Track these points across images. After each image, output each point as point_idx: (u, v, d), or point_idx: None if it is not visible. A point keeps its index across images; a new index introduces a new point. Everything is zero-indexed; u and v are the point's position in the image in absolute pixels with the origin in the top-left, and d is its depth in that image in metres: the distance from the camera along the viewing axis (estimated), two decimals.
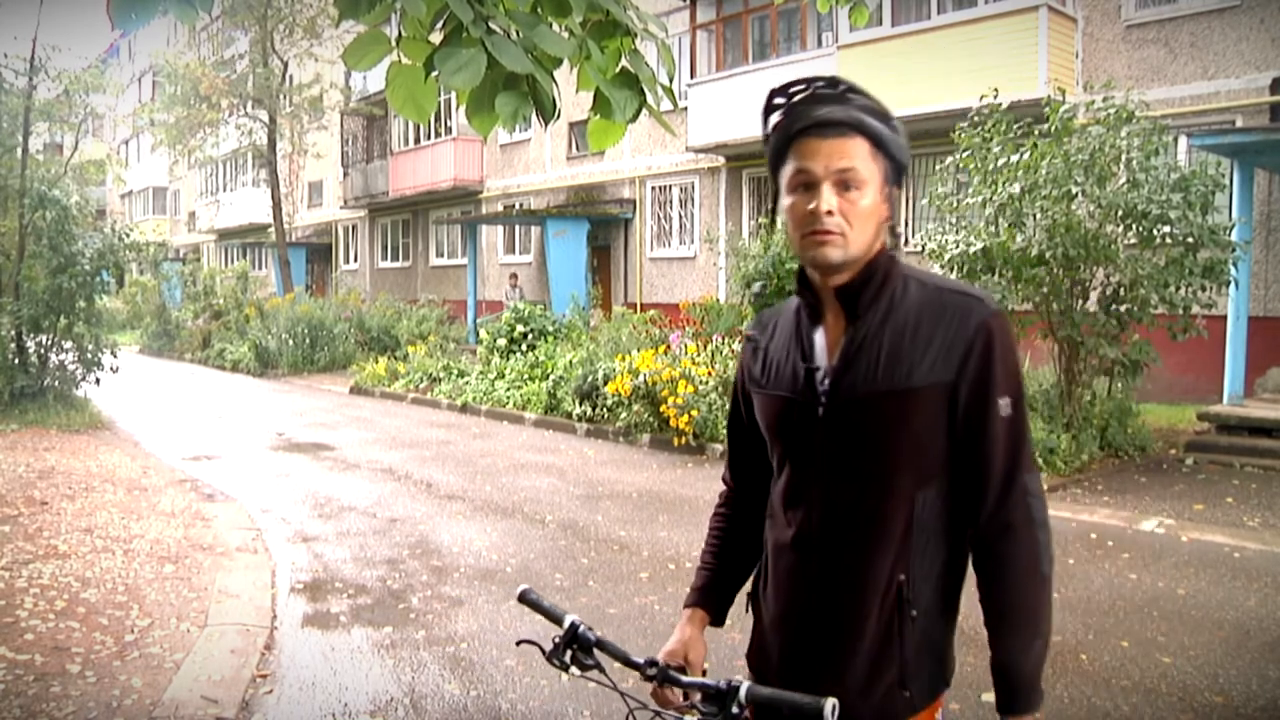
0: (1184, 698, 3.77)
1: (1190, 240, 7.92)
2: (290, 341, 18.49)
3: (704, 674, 1.62)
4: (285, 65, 23.38)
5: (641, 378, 9.99)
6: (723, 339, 10.74)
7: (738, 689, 1.36)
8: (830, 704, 1.26)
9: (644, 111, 2.10)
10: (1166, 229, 7.94)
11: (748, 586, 1.73)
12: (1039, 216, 8.11)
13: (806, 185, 1.46)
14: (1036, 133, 8.44)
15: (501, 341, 14.48)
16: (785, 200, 1.50)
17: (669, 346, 10.87)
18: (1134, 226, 8.06)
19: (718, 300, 14.71)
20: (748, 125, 14.30)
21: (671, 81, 2.38)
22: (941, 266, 8.53)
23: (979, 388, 1.44)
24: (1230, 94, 11.11)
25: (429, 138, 23.40)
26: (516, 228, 22.08)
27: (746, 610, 1.72)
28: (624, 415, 10.26)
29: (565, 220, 18.87)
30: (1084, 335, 8.29)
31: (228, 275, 25.31)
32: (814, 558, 1.51)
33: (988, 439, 1.45)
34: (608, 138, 2.14)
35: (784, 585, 1.57)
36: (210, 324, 22.03)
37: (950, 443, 1.47)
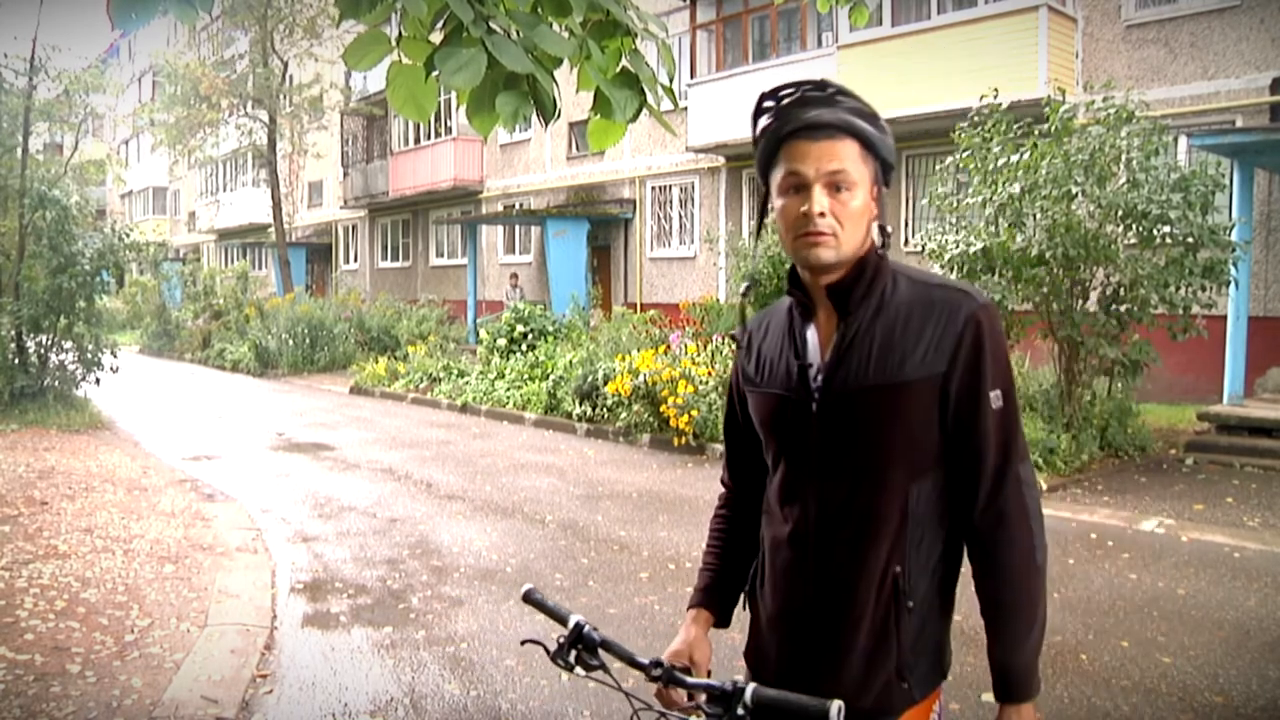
0: (1184, 698, 3.77)
1: (1190, 240, 7.92)
2: (290, 341, 18.50)
3: (709, 675, 1.62)
4: (285, 65, 23.38)
5: (641, 378, 9.99)
6: (723, 339, 10.74)
7: (743, 690, 1.36)
8: (836, 706, 1.26)
9: (644, 111, 2.10)
10: (1166, 229, 7.94)
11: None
12: (1039, 216, 8.11)
13: (798, 188, 1.48)
14: (1036, 133, 8.44)
15: (501, 341, 14.48)
16: (777, 203, 1.52)
17: (669, 346, 10.87)
18: (1134, 226, 8.06)
19: (718, 300, 14.72)
20: (748, 125, 14.16)
21: (672, 81, 2.38)
22: (941, 266, 8.53)
23: (970, 380, 1.47)
24: (1230, 94, 11.11)
25: (429, 138, 23.41)
26: (516, 228, 22.09)
27: (743, 608, 1.73)
28: (624, 415, 10.26)
29: (565, 220, 18.87)
30: (1084, 335, 8.29)
31: (228, 275, 25.31)
32: (810, 553, 1.52)
33: (980, 431, 1.47)
34: (608, 137, 2.14)
35: (781, 581, 1.58)
36: (210, 324, 22.03)
37: (943, 435, 1.49)
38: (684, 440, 9.46)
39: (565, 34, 2.03)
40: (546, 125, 2.07)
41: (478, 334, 17.02)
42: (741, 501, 1.76)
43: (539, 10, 2.00)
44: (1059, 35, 12.06)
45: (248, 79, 23.71)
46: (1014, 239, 8.15)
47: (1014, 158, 8.28)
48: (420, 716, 3.74)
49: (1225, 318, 9.01)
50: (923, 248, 9.13)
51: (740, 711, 1.35)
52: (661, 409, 9.66)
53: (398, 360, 16.59)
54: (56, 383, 12.32)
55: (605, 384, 10.63)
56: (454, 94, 2.05)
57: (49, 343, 12.20)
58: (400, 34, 1.96)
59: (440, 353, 16.33)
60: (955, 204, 9.01)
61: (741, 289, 1.74)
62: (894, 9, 13.49)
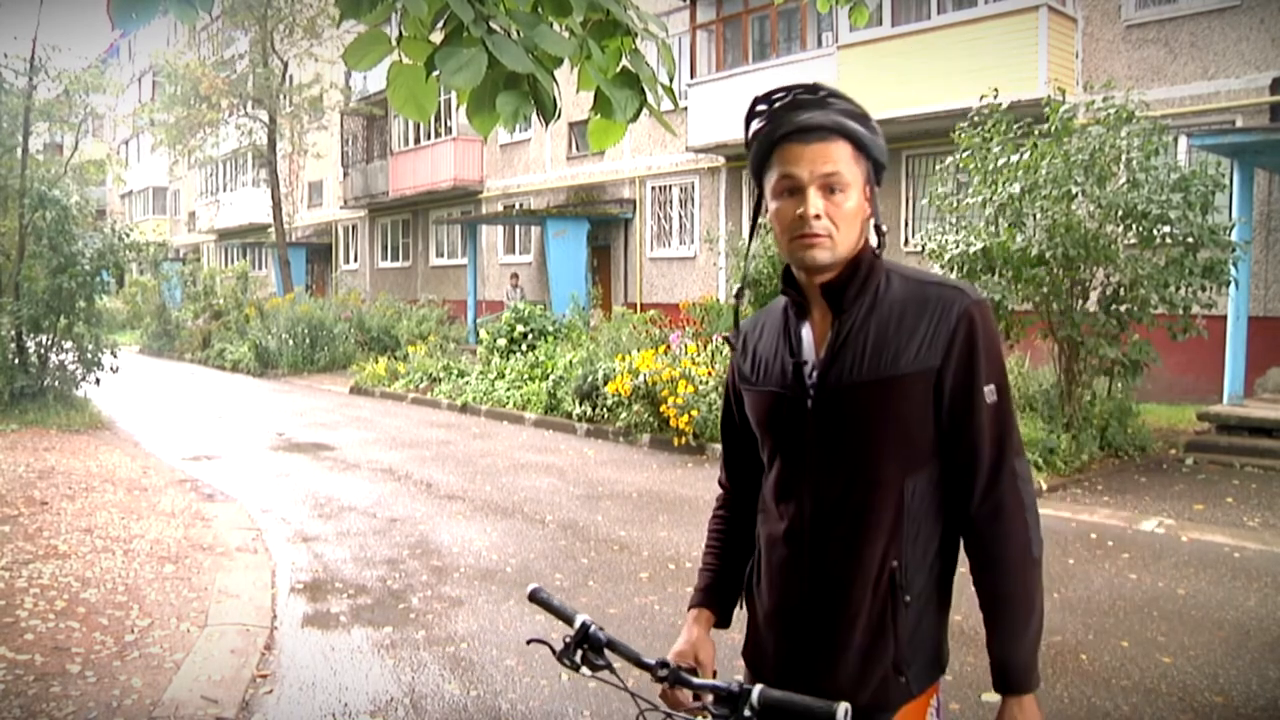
0: (1184, 698, 3.77)
1: (1190, 240, 7.92)
2: (290, 341, 18.50)
3: (714, 675, 1.62)
4: (285, 65, 23.38)
5: (641, 378, 9.99)
6: (723, 339, 10.73)
7: (750, 692, 1.36)
8: (843, 709, 1.27)
9: (644, 111, 2.10)
10: (1166, 229, 7.94)
11: None
12: (1039, 216, 8.11)
13: (792, 190, 1.50)
14: (1036, 133, 8.44)
15: (501, 341, 14.48)
16: (772, 205, 1.53)
17: (669, 346, 10.87)
18: (1134, 226, 8.06)
19: (718, 300, 14.71)
20: None
21: (672, 81, 2.38)
22: (941, 266, 8.53)
23: (964, 375, 1.48)
24: (1230, 94, 11.12)
25: (429, 138, 23.40)
26: (516, 228, 22.08)
27: (740, 607, 1.74)
28: (624, 415, 10.26)
29: (565, 220, 18.87)
30: (1084, 335, 8.29)
31: (228, 275, 25.31)
32: (806, 549, 1.53)
33: (975, 426, 1.49)
34: (608, 137, 2.14)
35: (777, 578, 1.59)
36: (210, 324, 22.03)
37: (938, 430, 1.51)
38: (684, 440, 9.46)
39: (565, 34, 2.03)
40: (547, 125, 2.07)
41: (478, 334, 17.03)
42: (739, 502, 1.77)
43: (539, 10, 2.00)
44: (1059, 35, 12.06)
45: (248, 79, 23.71)
46: (1014, 239, 8.15)
47: (1014, 158, 8.28)
48: (420, 716, 3.74)
49: (1225, 318, 9.01)
50: (923, 248, 9.13)
51: (747, 713, 1.35)
52: (661, 409, 9.67)
53: (398, 360, 16.59)
54: (56, 383, 12.32)
55: (605, 384, 10.63)
56: (454, 94, 2.05)
57: (49, 343, 12.20)
58: (400, 34, 1.96)
59: (440, 353, 16.33)
60: (955, 204, 9.01)
61: (735, 291, 1.75)
62: (894, 9, 13.49)
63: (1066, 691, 3.83)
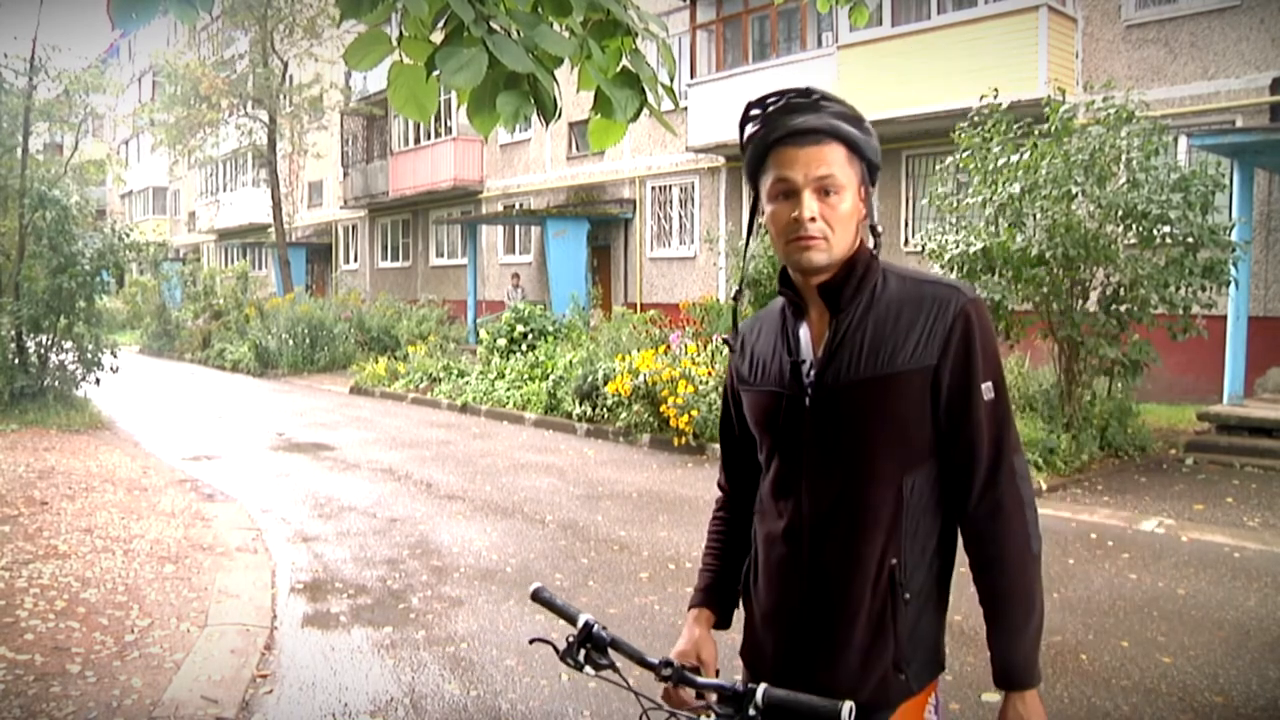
0: (1184, 698, 3.77)
1: (1190, 240, 7.92)
2: (290, 341, 18.50)
3: (717, 674, 1.63)
4: (285, 65, 23.38)
5: (641, 378, 9.99)
6: (722, 339, 10.73)
7: (754, 691, 1.37)
8: (847, 708, 1.27)
9: (644, 111, 2.10)
10: (1166, 229, 7.94)
11: None
12: (1039, 216, 8.11)
13: (787, 193, 1.51)
14: (1036, 133, 8.44)
15: (501, 341, 14.48)
16: (768, 208, 1.55)
17: (669, 346, 10.87)
18: (1134, 226, 8.06)
19: (718, 300, 14.71)
20: None
21: (672, 81, 2.38)
22: (941, 266, 8.53)
23: (961, 373, 1.50)
24: (1230, 94, 11.12)
25: (429, 138, 23.40)
26: (516, 228, 22.08)
27: (738, 606, 1.75)
28: (624, 415, 10.26)
29: (565, 220, 18.87)
30: (1084, 335, 8.29)
31: (228, 275, 25.31)
32: (805, 547, 1.54)
33: (973, 423, 1.50)
34: (608, 137, 2.15)
35: (776, 576, 1.59)
36: (210, 324, 22.02)
37: (935, 429, 1.52)
38: (684, 440, 9.46)
39: (566, 33, 2.03)
40: (547, 125, 2.08)
41: (478, 334, 17.02)
42: (739, 503, 1.77)
43: (539, 10, 2.00)
44: (1059, 35, 12.06)
45: (248, 79, 23.70)
46: (1014, 239, 8.15)
47: (1014, 158, 8.28)
48: (420, 716, 3.74)
49: (1225, 318, 9.01)
50: (923, 248, 9.13)
51: (751, 712, 1.36)
52: (661, 409, 9.67)
53: (398, 360, 16.59)
54: (56, 383, 12.32)
55: (605, 384, 10.63)
56: (454, 94, 2.05)
57: (49, 343, 12.20)
58: (401, 34, 1.96)
59: (440, 353, 16.33)
60: (955, 204, 9.01)
61: (733, 294, 1.76)
62: (894, 9, 13.49)
63: (1066, 691, 3.83)
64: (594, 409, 10.90)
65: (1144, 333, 8.39)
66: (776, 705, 1.35)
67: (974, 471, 1.51)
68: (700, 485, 7.97)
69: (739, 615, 1.75)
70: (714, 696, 1.45)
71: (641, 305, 17.69)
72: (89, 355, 12.06)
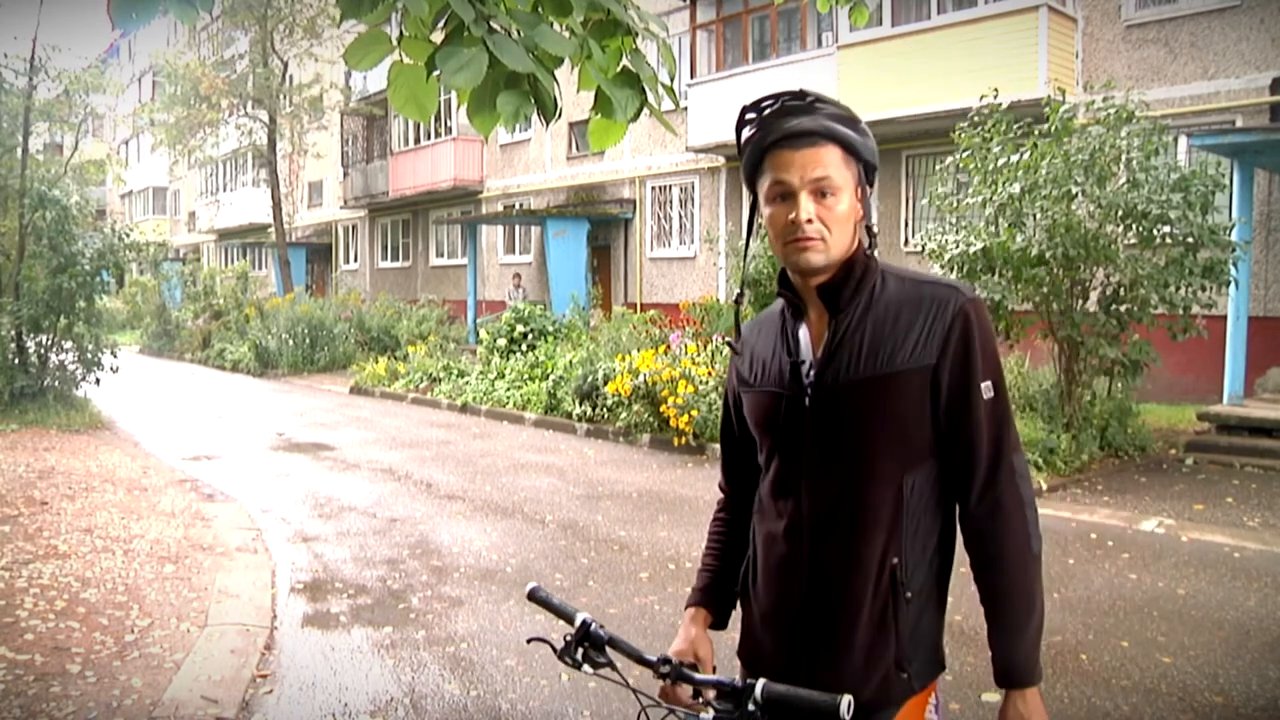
0: (1184, 698, 3.77)
1: (1190, 240, 7.92)
2: (290, 341, 18.50)
3: (714, 671, 1.63)
4: (285, 65, 23.38)
5: (641, 378, 9.99)
6: (722, 339, 10.74)
7: (753, 686, 1.37)
8: (846, 701, 1.28)
9: (645, 111, 2.10)
10: (1166, 229, 7.94)
11: None
12: (1039, 216, 8.11)
13: (784, 195, 1.52)
14: (1036, 133, 8.44)
15: (501, 341, 14.48)
16: (765, 211, 1.56)
17: (669, 346, 10.87)
18: (1134, 226, 8.06)
19: (718, 300, 14.71)
20: None
21: (672, 81, 2.38)
22: (941, 266, 8.53)
23: (961, 372, 1.50)
24: (1230, 94, 11.12)
25: (429, 138, 23.40)
26: (516, 228, 22.08)
27: (736, 607, 1.75)
28: (624, 415, 10.25)
29: (565, 220, 18.87)
30: (1084, 335, 8.29)
31: (228, 275, 25.31)
32: (805, 547, 1.55)
33: (972, 422, 1.51)
34: (609, 137, 2.15)
35: (775, 576, 1.60)
36: (210, 324, 22.02)
37: (935, 428, 1.52)
38: (684, 440, 9.46)
39: (566, 33, 2.03)
40: (547, 125, 2.08)
41: (478, 334, 17.02)
42: (739, 505, 1.78)
43: (540, 10, 2.00)
44: (1059, 35, 12.06)
45: (248, 79, 23.70)
46: (1014, 239, 8.15)
47: (1014, 158, 8.28)
48: (420, 716, 3.74)
49: (1225, 318, 9.01)
50: (923, 248, 9.13)
51: (751, 707, 1.36)
52: (661, 409, 9.67)
53: (398, 360, 16.59)
54: (56, 383, 12.32)
55: (605, 384, 10.63)
56: (454, 94, 2.05)
57: (49, 343, 12.20)
58: (401, 33, 1.96)
59: (440, 353, 16.33)
60: (955, 204, 9.01)
61: (735, 296, 1.76)
62: (894, 9, 13.49)
63: (1066, 691, 3.83)
64: (594, 409, 10.90)
65: (1144, 333, 8.39)
66: (776, 700, 1.35)
67: (974, 471, 1.51)
68: (700, 485, 7.97)
69: (736, 616, 1.75)
70: (713, 693, 1.45)
71: (641, 305, 17.69)
72: (89, 355, 12.06)
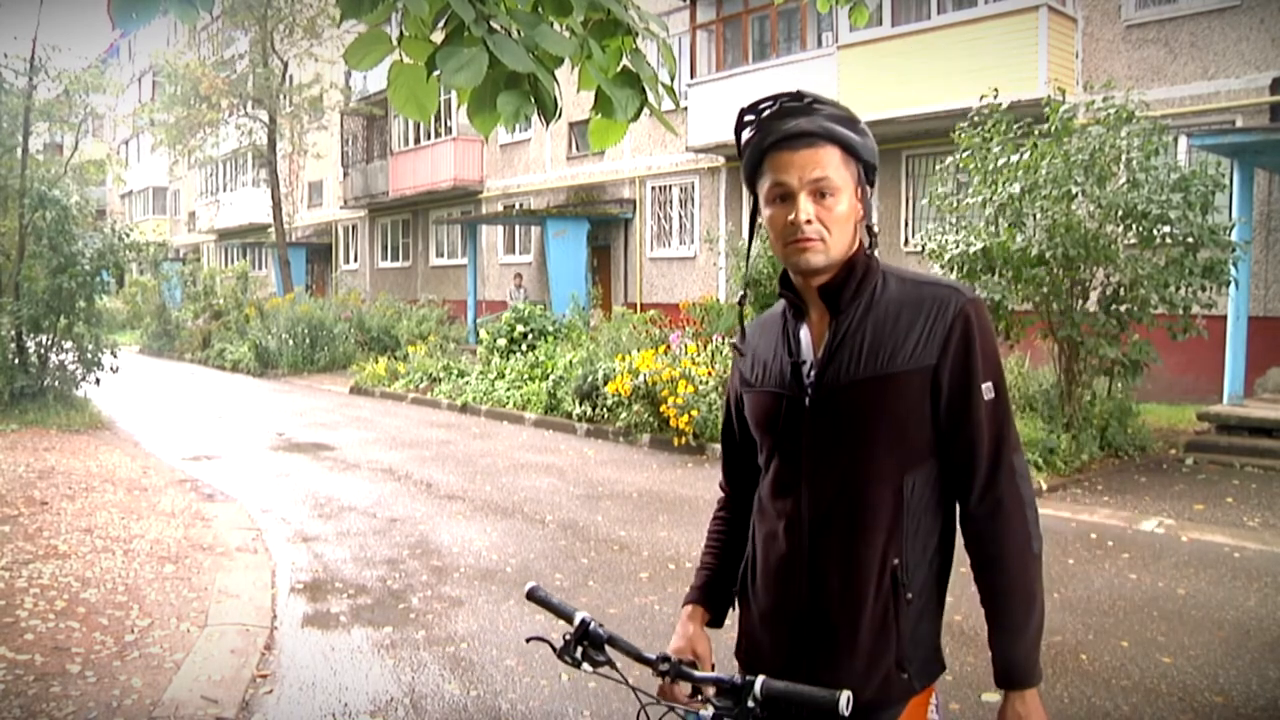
0: (1184, 698, 3.77)
1: (1190, 240, 7.92)
2: (290, 341, 18.50)
3: (713, 668, 1.63)
4: (285, 65, 23.38)
5: (641, 378, 9.99)
6: (723, 339, 10.74)
7: (753, 683, 1.38)
8: (845, 696, 1.28)
9: (645, 111, 2.10)
10: (1166, 229, 7.94)
11: None
12: (1039, 216, 8.11)
13: (783, 197, 1.53)
14: (1036, 133, 8.44)
15: (501, 341, 14.48)
16: (765, 212, 1.57)
17: (669, 346, 10.87)
18: (1134, 226, 8.07)
19: (718, 300, 14.72)
20: None
21: (672, 81, 2.38)
22: (941, 266, 8.53)
23: (961, 373, 1.50)
24: (1230, 94, 11.12)
25: (429, 138, 23.40)
26: (516, 228, 22.09)
27: (733, 606, 1.75)
28: (624, 415, 10.25)
29: (565, 220, 18.88)
30: (1084, 335, 8.29)
31: (228, 275, 25.31)
32: (804, 547, 1.55)
33: (973, 423, 1.51)
34: (609, 137, 2.15)
35: (775, 576, 1.60)
36: (210, 324, 22.03)
37: (935, 429, 1.52)
38: (684, 440, 9.46)
39: (566, 33, 2.03)
40: (548, 125, 2.08)
41: (478, 334, 17.02)
42: (739, 505, 1.78)
43: (540, 9, 2.00)
44: (1059, 35, 12.06)
45: (248, 79, 23.70)
46: (1014, 239, 8.15)
47: (1014, 158, 8.28)
48: (420, 716, 3.74)
49: (1225, 318, 9.01)
50: (923, 248, 9.13)
51: (750, 703, 1.36)
52: (661, 409, 9.66)
53: (398, 360, 16.59)
54: (56, 383, 12.32)
55: (605, 384, 10.63)
56: (454, 94, 2.05)
57: (49, 343, 12.20)
58: (401, 33, 1.96)
59: (440, 353, 16.33)
60: (955, 204, 9.01)
61: (739, 297, 1.76)
62: (894, 9, 13.49)
63: (1066, 691, 3.83)
64: (594, 409, 10.90)
65: (1144, 333, 8.39)
66: (775, 696, 1.36)
67: (974, 471, 1.52)
68: (700, 485, 7.97)
69: (732, 617, 1.75)
70: (712, 690, 1.45)
71: (641, 305, 17.69)
72: (89, 355, 12.06)
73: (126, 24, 1.85)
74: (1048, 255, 7.97)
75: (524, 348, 14.22)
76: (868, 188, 1.57)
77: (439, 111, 19.21)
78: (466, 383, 13.72)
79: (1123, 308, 8.28)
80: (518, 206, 21.66)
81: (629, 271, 19.23)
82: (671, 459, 9.28)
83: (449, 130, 22.66)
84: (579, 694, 3.82)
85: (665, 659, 1.53)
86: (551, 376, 12.06)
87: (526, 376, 12.90)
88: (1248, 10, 10.95)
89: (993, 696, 1.53)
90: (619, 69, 2.10)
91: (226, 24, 25.36)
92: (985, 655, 1.54)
